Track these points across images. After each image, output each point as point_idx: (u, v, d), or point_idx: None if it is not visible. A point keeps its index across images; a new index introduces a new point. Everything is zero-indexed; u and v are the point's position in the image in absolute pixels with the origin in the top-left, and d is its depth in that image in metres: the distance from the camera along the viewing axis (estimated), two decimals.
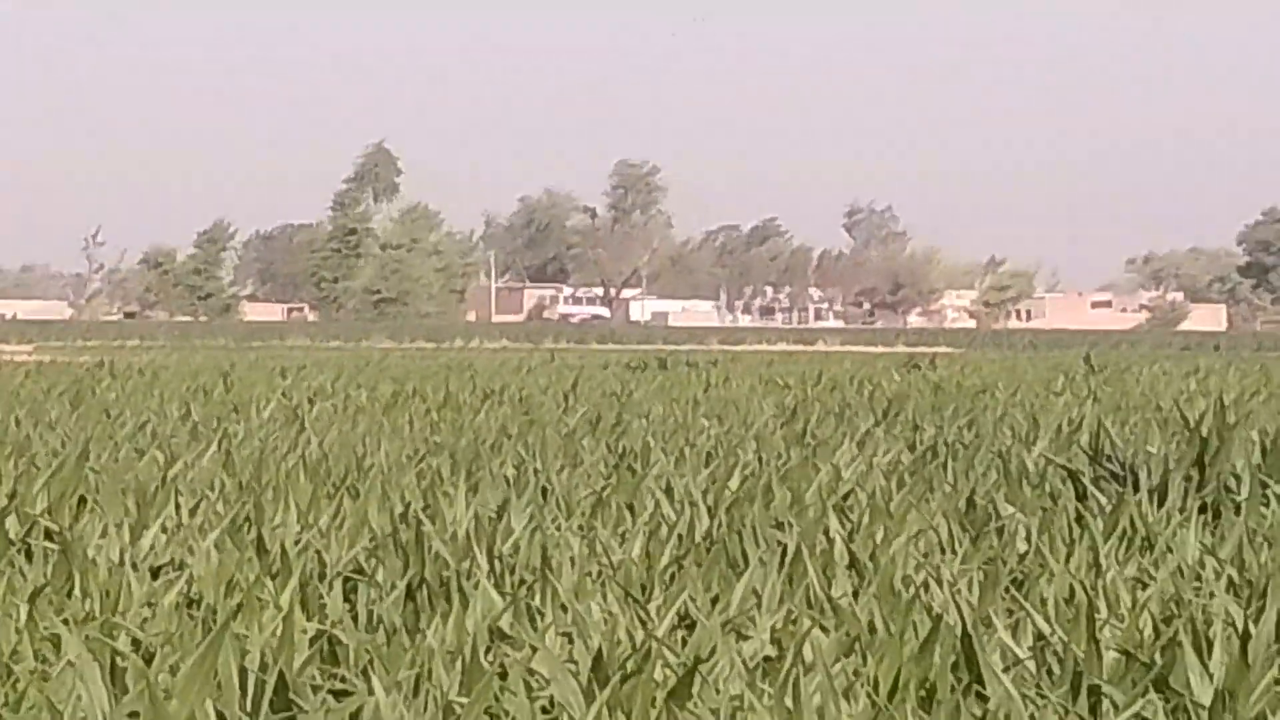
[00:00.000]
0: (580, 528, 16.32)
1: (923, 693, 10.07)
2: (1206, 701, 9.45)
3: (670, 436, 28.70)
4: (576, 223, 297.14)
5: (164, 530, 15.49)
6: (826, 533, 15.57)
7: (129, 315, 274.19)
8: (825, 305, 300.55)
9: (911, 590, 12.76)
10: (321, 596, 12.88)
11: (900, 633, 10.95)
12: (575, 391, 45.00)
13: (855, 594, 12.97)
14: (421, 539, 14.52)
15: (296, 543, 14.88)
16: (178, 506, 17.49)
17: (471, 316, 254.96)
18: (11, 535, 15.21)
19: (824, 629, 11.86)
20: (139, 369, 62.28)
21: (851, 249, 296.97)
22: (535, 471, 21.71)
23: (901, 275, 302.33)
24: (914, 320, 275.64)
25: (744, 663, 10.57)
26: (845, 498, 19.19)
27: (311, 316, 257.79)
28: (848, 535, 15.64)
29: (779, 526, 16.29)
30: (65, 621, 11.75)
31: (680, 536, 15.68)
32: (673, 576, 13.69)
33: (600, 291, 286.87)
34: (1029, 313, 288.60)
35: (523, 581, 13.50)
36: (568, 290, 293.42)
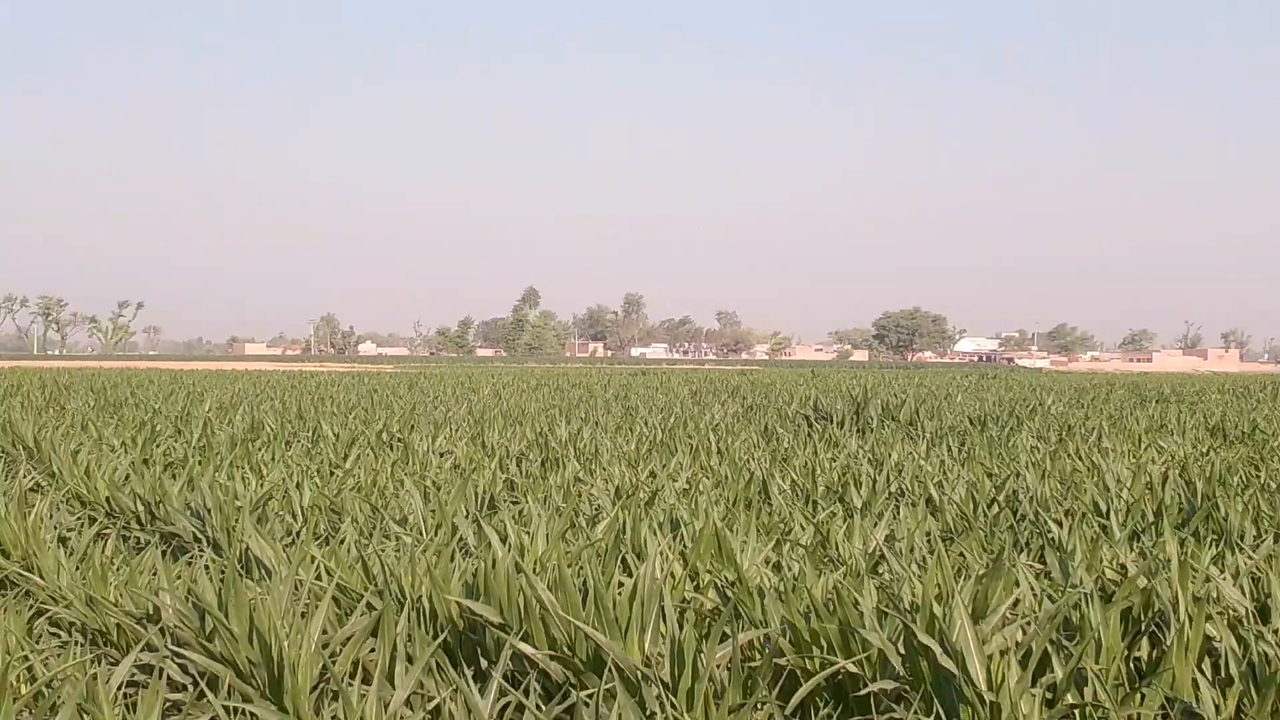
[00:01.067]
0: (610, 436, 16.78)
1: (745, 503, 10.07)
2: (859, 505, 9.56)
3: (648, 400, 29.55)
4: (609, 318, 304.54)
5: (445, 438, 16.02)
6: (708, 440, 16.00)
7: (431, 354, 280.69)
8: (708, 350, 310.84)
9: (741, 462, 13.05)
10: (510, 465, 12.99)
11: (736, 479, 11.22)
12: (608, 383, 46.46)
13: (718, 464, 13.23)
14: (548, 441, 15.21)
15: (497, 443, 15.21)
16: (450, 429, 17.95)
17: (568, 354, 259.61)
18: (385, 439, 15.74)
19: (707, 478, 11.95)
20: (435, 376, 64.18)
21: (719, 328, 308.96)
22: (591, 414, 22.24)
23: (739, 339, 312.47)
24: (744, 357, 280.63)
25: (675, 492, 10.73)
26: (715, 426, 19.43)
27: (504, 354, 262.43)
28: (716, 441, 16.00)
29: (689, 436, 16.90)
30: (404, 474, 11.79)
31: (651, 440, 16.20)
32: (647, 456, 14.08)
33: (618, 345, 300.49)
34: (789, 353, 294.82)
35: (587, 458, 13.83)
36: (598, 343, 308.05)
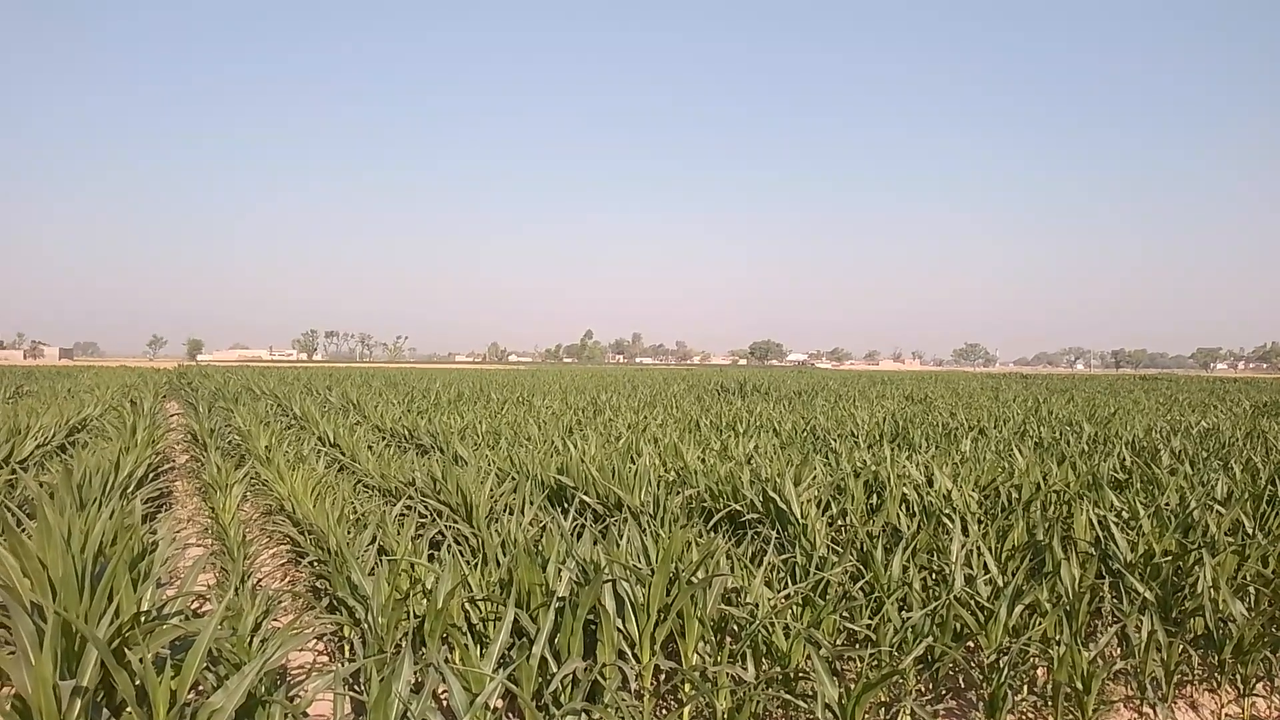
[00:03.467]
0: (625, 399, 15.93)
1: (689, 430, 9.75)
2: (741, 431, 9.17)
3: (643, 383, 28.19)
4: (625, 343, 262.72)
5: (547, 399, 15.11)
6: (671, 401, 15.21)
7: (543, 361, 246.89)
8: (671, 359, 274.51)
9: (686, 412, 12.42)
10: (578, 412, 12.60)
11: (684, 419, 10.60)
12: (624, 376, 43.51)
13: (676, 412, 12.66)
14: (596, 400, 14.18)
15: (572, 402, 14.58)
16: (549, 396, 17.06)
17: (606, 361, 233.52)
18: (520, 400, 14.76)
19: (671, 419, 11.62)
20: (544, 371, 60.09)
21: (674, 346, 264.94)
22: (617, 389, 21.37)
23: (685, 354, 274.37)
24: (687, 363, 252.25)
25: (656, 425, 10.33)
26: (675, 394, 18.77)
27: (575, 361, 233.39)
28: (675, 401, 15.23)
29: (663, 399, 15.96)
30: (529, 416, 11.47)
31: (644, 401, 15.34)
32: (643, 409, 13.37)
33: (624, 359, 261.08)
34: (708, 360, 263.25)
35: (614, 409, 13.17)
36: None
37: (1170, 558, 4.72)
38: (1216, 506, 5.61)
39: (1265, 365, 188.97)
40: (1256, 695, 4.26)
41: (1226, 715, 4.16)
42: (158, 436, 10.25)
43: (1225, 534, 5.14)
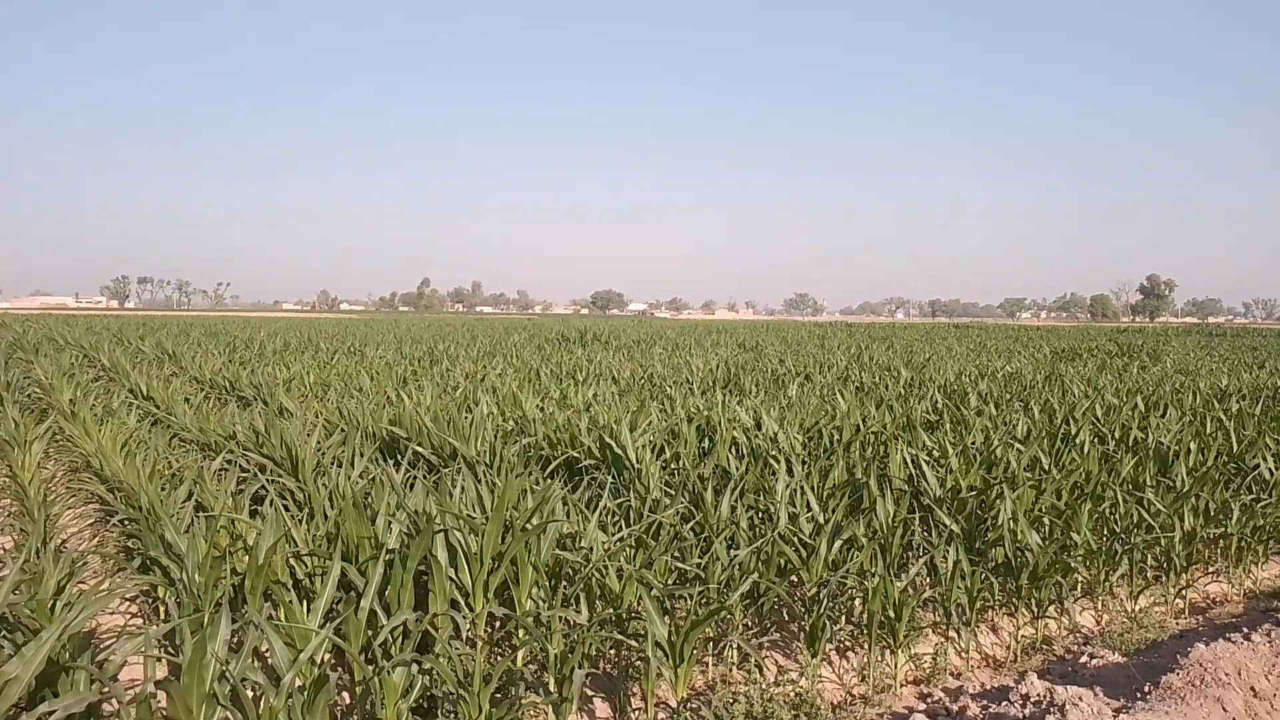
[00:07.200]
0: (464, 350, 15.69)
1: (529, 380, 9.69)
2: (582, 380, 9.21)
3: (483, 333, 27.78)
4: (465, 291, 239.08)
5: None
6: (511, 350, 15.15)
7: (378, 310, 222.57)
8: (512, 309, 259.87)
9: (526, 361, 12.37)
10: (414, 363, 12.37)
11: (524, 369, 10.54)
12: (464, 326, 42.52)
13: (516, 362, 12.58)
14: (433, 351, 13.96)
15: (407, 352, 14.30)
16: (383, 346, 16.69)
17: (445, 310, 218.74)
18: (352, 350, 14.32)
19: (511, 369, 11.55)
20: (378, 321, 58.05)
21: (516, 296, 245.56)
22: (455, 339, 21.03)
23: (528, 303, 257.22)
24: (529, 312, 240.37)
25: (495, 375, 10.27)
26: (515, 344, 18.63)
27: (411, 310, 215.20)
28: (516, 351, 15.16)
29: (503, 349, 15.83)
30: (362, 368, 11.19)
31: (483, 350, 15.19)
32: (482, 359, 13.24)
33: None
34: (550, 310, 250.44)
35: (452, 359, 12.99)
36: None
37: (975, 493, 5.09)
38: (1017, 445, 6.07)
39: (1064, 315, 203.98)
40: (1049, 617, 4.66)
41: (1023, 636, 4.53)
42: None
43: (1024, 470, 5.58)
